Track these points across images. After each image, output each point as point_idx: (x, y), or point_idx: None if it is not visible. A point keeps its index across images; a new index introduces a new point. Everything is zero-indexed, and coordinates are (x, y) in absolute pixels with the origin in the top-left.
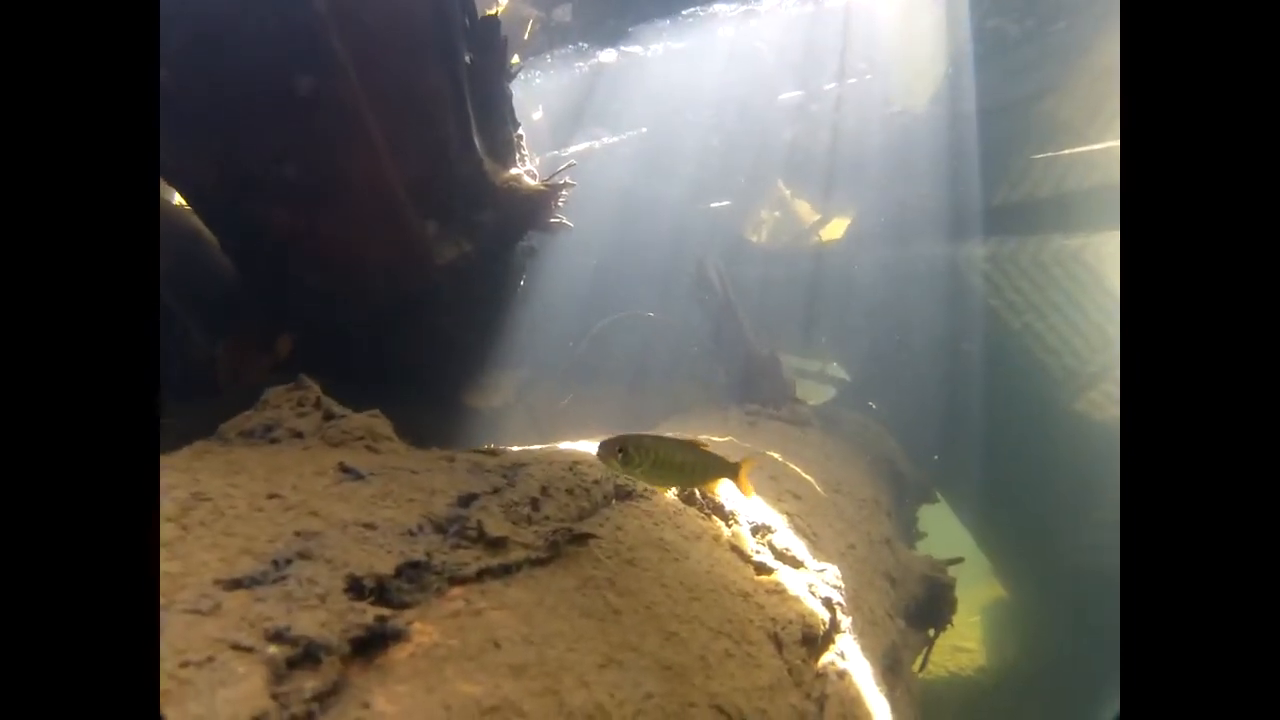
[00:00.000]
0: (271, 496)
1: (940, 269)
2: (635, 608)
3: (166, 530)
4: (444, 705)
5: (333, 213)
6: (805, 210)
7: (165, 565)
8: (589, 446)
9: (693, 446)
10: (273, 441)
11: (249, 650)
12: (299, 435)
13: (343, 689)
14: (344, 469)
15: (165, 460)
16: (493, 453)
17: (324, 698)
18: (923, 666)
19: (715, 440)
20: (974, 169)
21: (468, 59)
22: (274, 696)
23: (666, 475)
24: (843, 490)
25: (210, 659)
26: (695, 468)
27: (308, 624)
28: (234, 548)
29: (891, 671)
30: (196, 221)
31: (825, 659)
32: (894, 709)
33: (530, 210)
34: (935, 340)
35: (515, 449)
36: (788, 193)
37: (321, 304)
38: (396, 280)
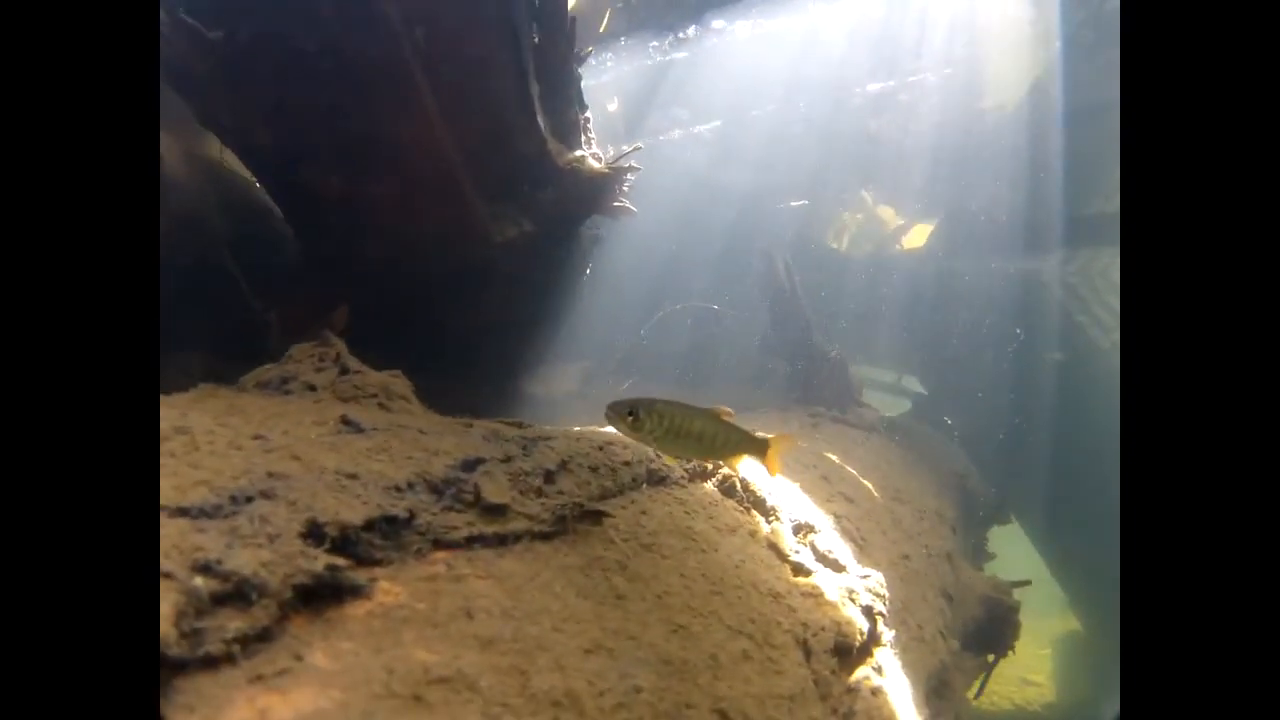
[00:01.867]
0: (256, 438)
1: (1018, 281)
2: (643, 595)
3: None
4: (387, 669)
5: (386, 180)
6: (888, 215)
7: None
8: None
9: (714, 416)
10: (286, 393)
11: (168, 576)
12: (312, 388)
13: (276, 636)
14: (345, 421)
15: (166, 399)
16: (520, 425)
17: (248, 641)
18: (979, 694)
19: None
20: (1061, 175)
21: (535, 39)
22: (182, 628)
23: (682, 445)
24: (902, 499)
25: None
26: (716, 439)
27: (245, 561)
28: (193, 479)
29: (937, 695)
30: (267, 196)
31: (860, 672)
32: None
33: (593, 192)
34: (1012, 355)
35: (549, 426)
36: (869, 198)
37: (377, 274)
38: (452, 252)
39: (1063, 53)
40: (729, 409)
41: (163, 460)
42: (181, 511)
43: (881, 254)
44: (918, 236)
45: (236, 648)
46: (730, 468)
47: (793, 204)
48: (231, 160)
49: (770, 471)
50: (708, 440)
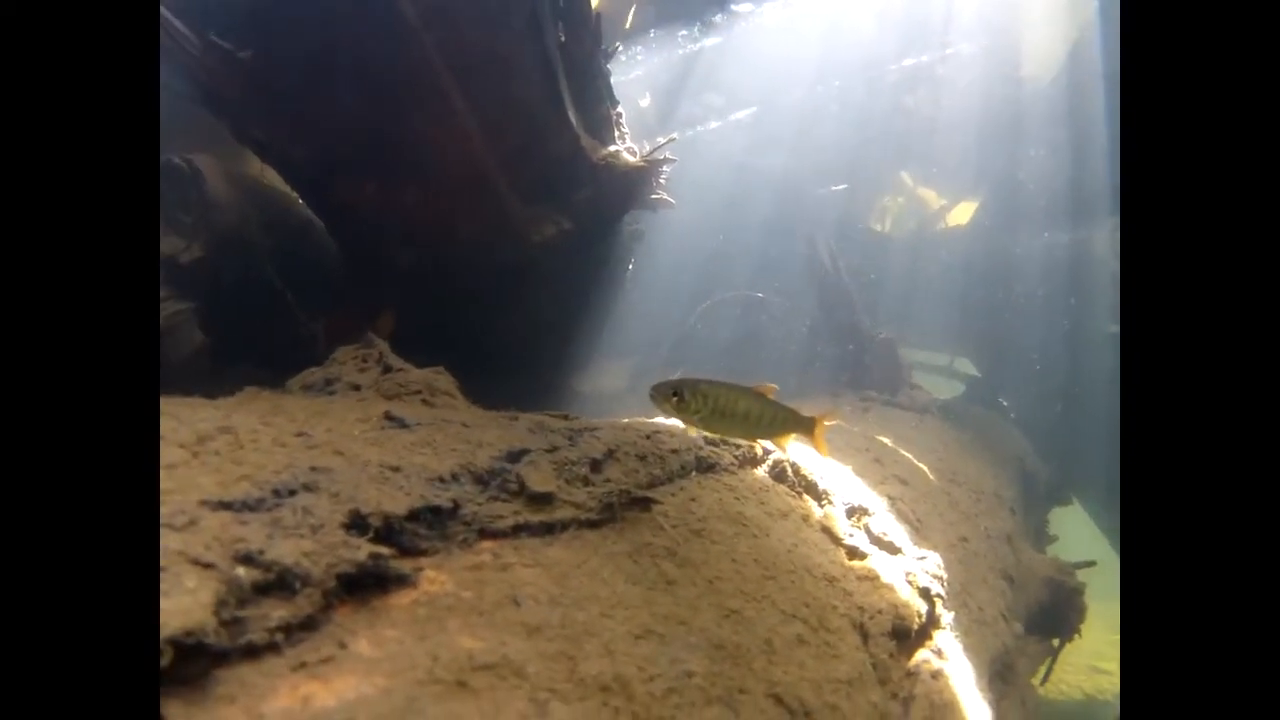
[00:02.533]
0: (300, 435)
1: (1070, 253)
2: (694, 580)
3: (174, 455)
4: (431, 656)
5: (420, 185)
6: (930, 195)
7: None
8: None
9: (759, 395)
10: (330, 394)
11: (208, 566)
12: (356, 388)
13: (321, 624)
14: (389, 417)
15: (211, 403)
16: (566, 417)
17: (292, 630)
18: (1044, 679)
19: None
20: (1107, 141)
21: (561, 37)
22: (222, 617)
23: (728, 425)
24: (958, 481)
25: (161, 568)
26: (762, 418)
27: (287, 551)
28: (236, 474)
29: (1001, 679)
30: (307, 210)
31: (919, 656)
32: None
33: (630, 186)
34: (1066, 331)
35: (596, 419)
36: (909, 179)
37: (418, 280)
38: (491, 254)
39: (1100, 12)
40: (773, 386)
41: (206, 458)
42: (224, 505)
43: (926, 234)
44: (961, 214)
45: (280, 636)
46: (779, 447)
47: (834, 188)
48: (272, 177)
49: (818, 449)
50: (753, 419)
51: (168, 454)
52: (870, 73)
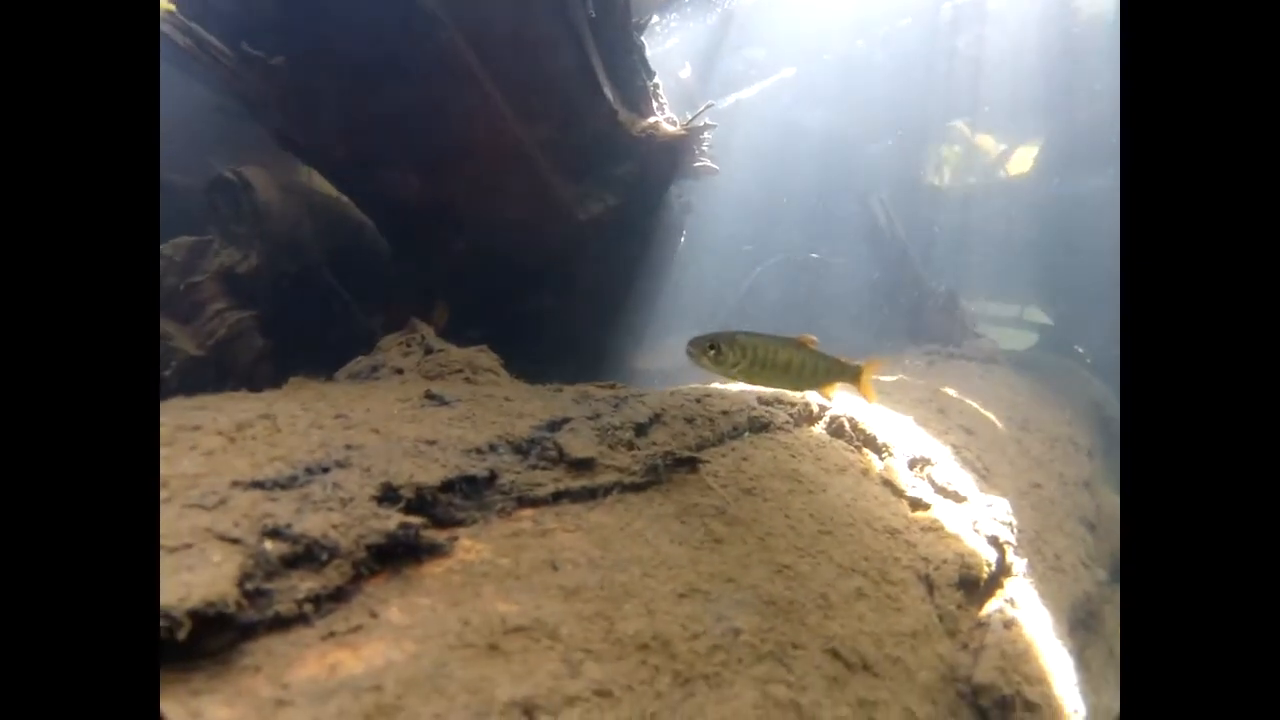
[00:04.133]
0: (338, 416)
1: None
2: (744, 538)
3: (212, 443)
4: (463, 621)
5: (463, 173)
6: (988, 143)
7: (191, 467)
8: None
9: (799, 345)
10: (375, 379)
11: (234, 542)
12: (400, 371)
13: (351, 594)
14: (429, 395)
15: (256, 395)
16: (613, 386)
17: (322, 600)
18: None
19: (884, 379)
20: None
21: (591, 13)
22: (246, 589)
23: (770, 376)
24: (1029, 428)
25: (188, 545)
26: (804, 368)
27: (316, 524)
28: (269, 455)
29: (1084, 627)
30: (359, 212)
31: (990, 605)
32: (1083, 669)
33: (673, 156)
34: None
35: (644, 389)
36: (966, 127)
37: (470, 267)
38: (539, 236)
39: None
40: (813, 337)
41: (244, 443)
42: (256, 484)
43: (987, 183)
44: (1022, 161)
45: (309, 607)
46: (824, 396)
47: (888, 143)
48: (321, 182)
49: (866, 397)
50: (794, 369)
51: (206, 442)
52: (919, 12)
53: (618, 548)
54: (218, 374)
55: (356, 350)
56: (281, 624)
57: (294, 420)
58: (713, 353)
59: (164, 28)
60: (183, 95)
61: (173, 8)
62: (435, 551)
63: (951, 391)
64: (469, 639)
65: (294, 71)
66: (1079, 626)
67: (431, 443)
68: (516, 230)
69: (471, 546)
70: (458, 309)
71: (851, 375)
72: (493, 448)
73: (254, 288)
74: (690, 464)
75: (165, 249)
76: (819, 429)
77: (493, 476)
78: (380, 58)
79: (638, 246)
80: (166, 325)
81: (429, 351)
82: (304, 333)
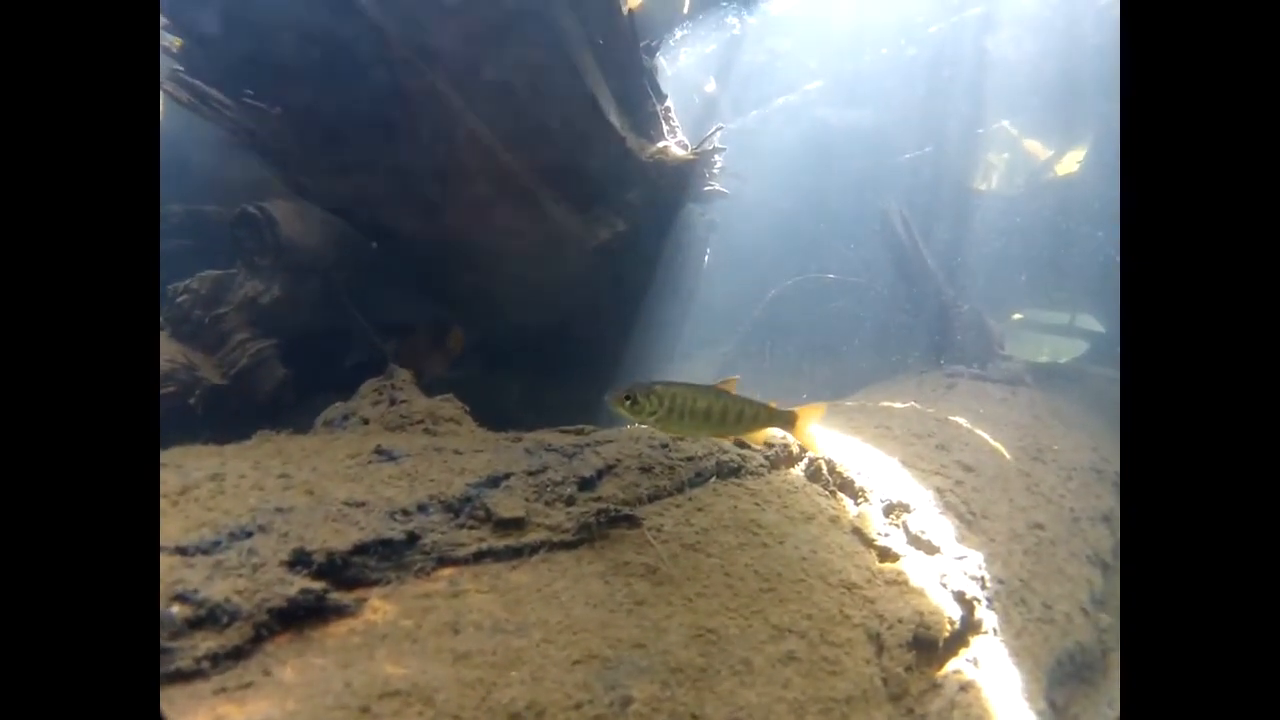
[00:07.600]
0: (281, 476)
1: None
2: (670, 598)
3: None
4: (346, 682)
5: (457, 211)
6: (1036, 146)
7: None
8: None
9: (721, 392)
10: (343, 429)
11: None
12: (366, 422)
13: (250, 653)
14: (379, 451)
15: (216, 450)
16: (580, 432)
17: (220, 658)
18: None
19: (895, 407)
20: None
21: (599, 41)
22: None
23: (689, 425)
24: (1045, 458)
25: None
26: (728, 415)
27: (221, 590)
28: (200, 520)
29: (1077, 678)
30: None
31: (950, 666)
32: None
33: (681, 179)
34: None
35: (615, 430)
36: (1012, 129)
37: (485, 297)
38: (547, 265)
39: None
40: (735, 379)
41: (185, 505)
42: (179, 550)
43: (1035, 187)
44: (1070, 163)
45: (206, 664)
46: (757, 443)
47: (926, 149)
48: None
49: (807, 447)
50: (716, 416)
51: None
52: (950, 13)
53: (526, 610)
54: (241, 402)
55: (370, 376)
56: (182, 678)
57: (240, 482)
58: (628, 403)
59: (165, 86)
60: None
61: (179, 42)
62: (342, 612)
63: (962, 420)
64: (345, 701)
65: (289, 119)
66: (1069, 679)
67: (360, 504)
68: (522, 259)
69: (380, 607)
70: (480, 339)
71: (783, 421)
72: (422, 508)
73: (276, 318)
74: (629, 520)
75: (191, 283)
76: (797, 471)
77: (413, 538)
78: (369, 103)
79: (652, 267)
80: (192, 356)
81: (394, 402)
82: (324, 360)
